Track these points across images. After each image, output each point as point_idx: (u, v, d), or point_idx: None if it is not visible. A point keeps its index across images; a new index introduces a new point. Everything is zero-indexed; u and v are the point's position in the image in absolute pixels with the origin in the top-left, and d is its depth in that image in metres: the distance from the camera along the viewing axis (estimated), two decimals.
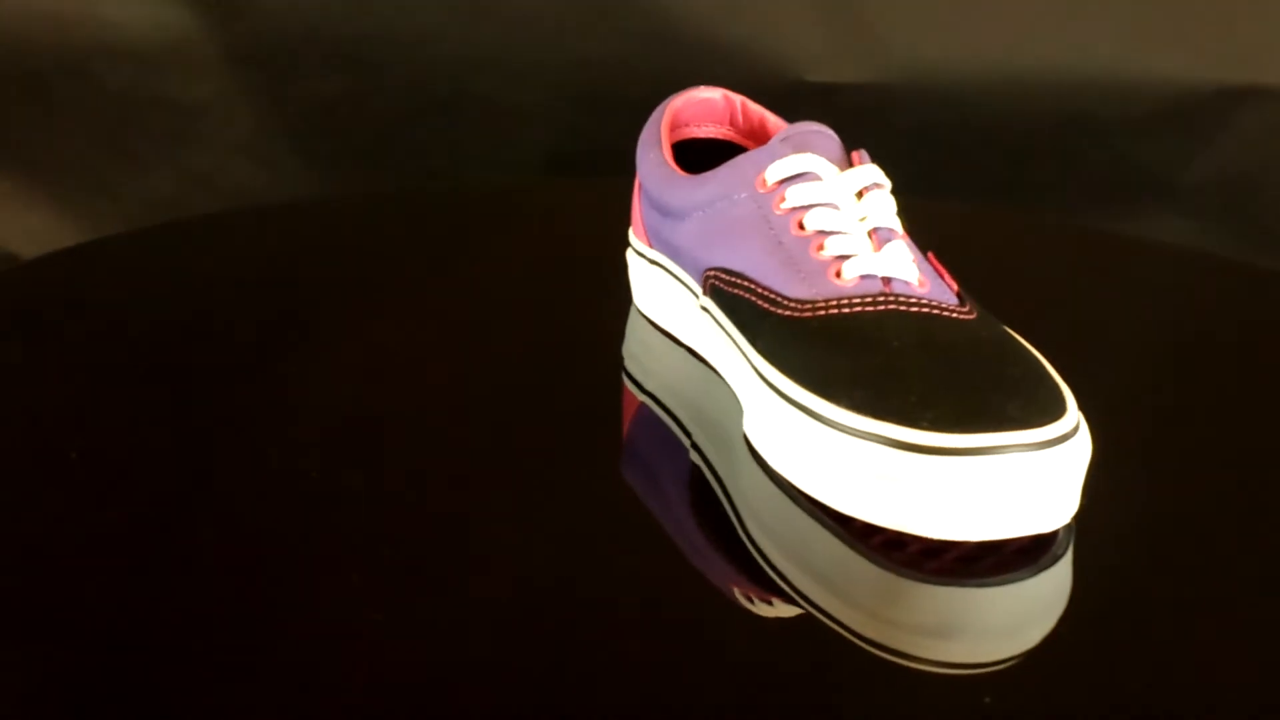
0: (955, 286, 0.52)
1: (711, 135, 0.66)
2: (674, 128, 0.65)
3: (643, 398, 0.59)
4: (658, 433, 0.57)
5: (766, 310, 0.53)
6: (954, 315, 0.50)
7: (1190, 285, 0.77)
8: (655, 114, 0.65)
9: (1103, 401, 0.51)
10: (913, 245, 0.54)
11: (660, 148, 0.62)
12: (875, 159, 0.56)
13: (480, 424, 0.57)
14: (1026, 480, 0.46)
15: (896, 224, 0.54)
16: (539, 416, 0.57)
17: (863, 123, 1.05)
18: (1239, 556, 0.50)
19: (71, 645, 0.43)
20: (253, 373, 0.61)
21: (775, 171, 0.55)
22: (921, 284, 0.51)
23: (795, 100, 1.03)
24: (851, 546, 0.48)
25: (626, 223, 0.67)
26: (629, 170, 0.65)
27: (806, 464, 0.49)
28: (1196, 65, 1.01)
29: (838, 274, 0.52)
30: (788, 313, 0.52)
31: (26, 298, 0.70)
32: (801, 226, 0.53)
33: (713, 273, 0.57)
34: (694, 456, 0.54)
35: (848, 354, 0.49)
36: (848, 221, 0.53)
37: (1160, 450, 0.57)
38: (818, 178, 0.54)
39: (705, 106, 0.65)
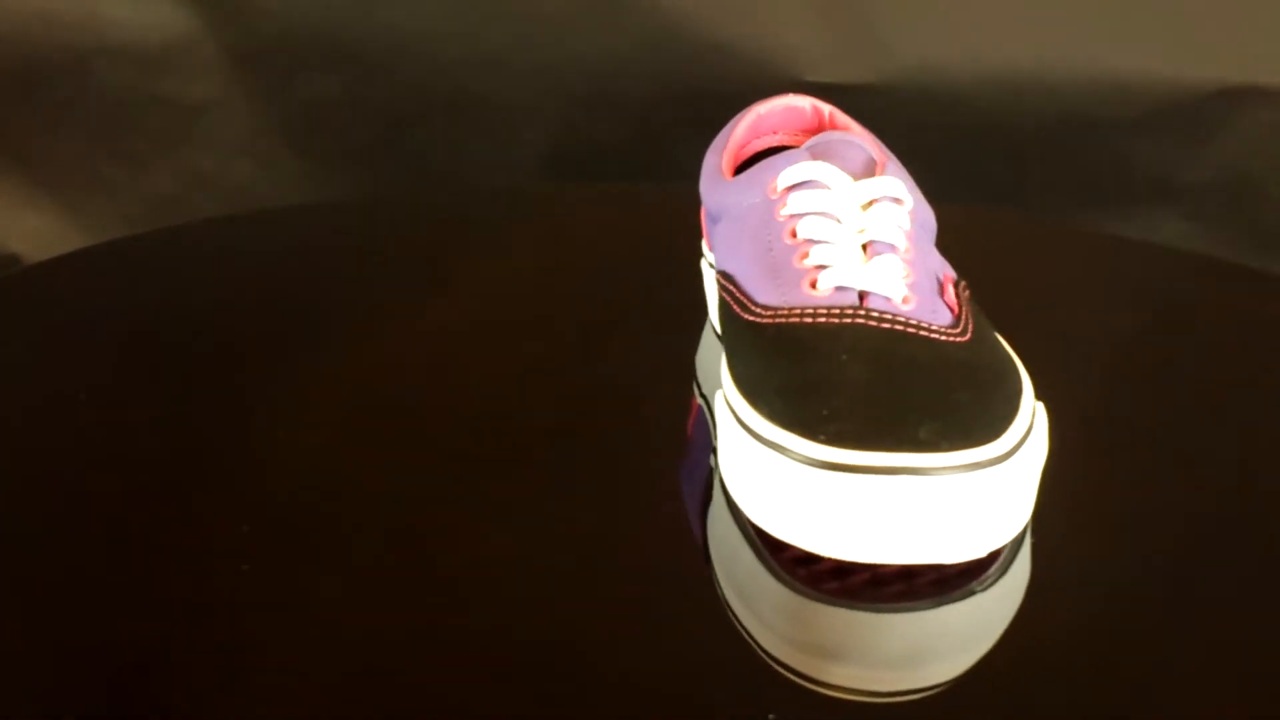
0: (956, 309, 0.51)
1: (796, 144, 0.64)
2: (758, 134, 0.64)
3: (700, 401, 0.59)
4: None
5: (736, 314, 0.52)
6: (931, 335, 0.49)
7: (1188, 287, 0.77)
8: (736, 118, 0.64)
9: (1091, 403, 0.51)
10: (918, 262, 0.52)
11: (722, 151, 0.61)
12: None
13: (503, 430, 0.57)
14: (917, 505, 0.44)
15: (900, 239, 0.52)
16: (580, 425, 0.57)
17: (863, 123, 1.05)
18: (1221, 589, 0.49)
19: (72, 645, 0.43)
20: (256, 377, 0.61)
21: (785, 178, 0.54)
22: (905, 301, 0.50)
23: None
24: (764, 560, 0.47)
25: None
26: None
27: (734, 471, 0.49)
28: (1196, 65, 1.01)
29: (813, 284, 0.51)
30: (750, 318, 0.51)
31: (28, 300, 0.70)
32: (794, 234, 0.52)
33: (719, 276, 0.56)
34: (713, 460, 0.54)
35: (788, 363, 0.48)
36: (841, 232, 0.52)
37: (1144, 461, 0.57)
38: (824, 186, 0.53)
39: (792, 114, 0.64)
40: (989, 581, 0.47)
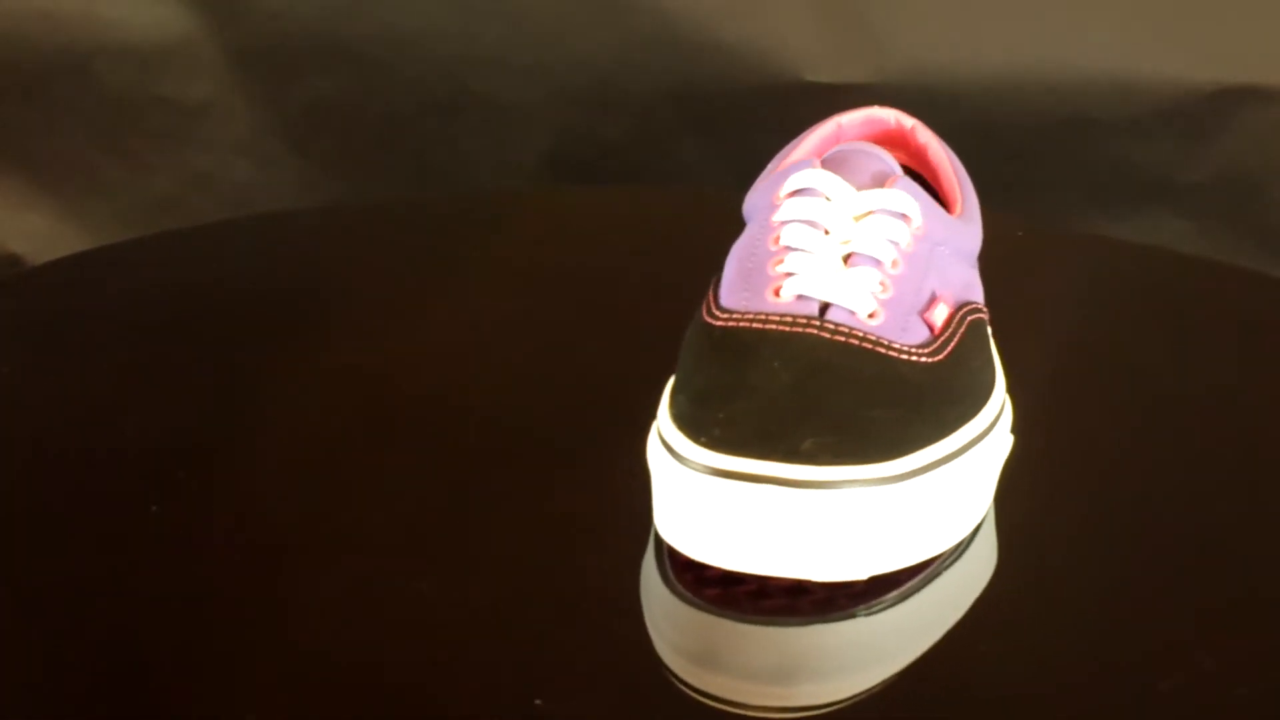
0: (938, 329, 0.50)
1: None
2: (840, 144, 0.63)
3: None
4: None
5: (700, 315, 0.52)
6: (888, 352, 0.48)
7: (1187, 289, 0.77)
8: (813, 128, 0.63)
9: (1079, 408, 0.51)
10: (907, 278, 0.51)
11: (783, 156, 0.61)
12: None
13: (502, 431, 0.57)
14: (784, 516, 0.43)
15: (888, 253, 0.51)
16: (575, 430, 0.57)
17: None
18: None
19: (72, 645, 0.43)
20: (256, 378, 0.61)
21: (788, 185, 0.53)
22: (873, 316, 0.49)
23: (795, 100, 1.03)
24: (659, 560, 0.47)
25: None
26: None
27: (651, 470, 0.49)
28: (1196, 65, 1.01)
29: (777, 291, 0.50)
30: (708, 319, 0.51)
31: (29, 302, 0.70)
32: (777, 241, 0.52)
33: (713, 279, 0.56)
34: None
35: (717, 367, 0.48)
36: (823, 242, 0.51)
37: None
38: (821, 196, 0.52)
39: (875, 127, 0.63)
40: (879, 607, 0.46)
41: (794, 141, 0.62)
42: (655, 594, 0.46)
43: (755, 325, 0.49)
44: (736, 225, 0.54)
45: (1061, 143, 1.04)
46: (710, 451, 0.44)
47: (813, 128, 0.63)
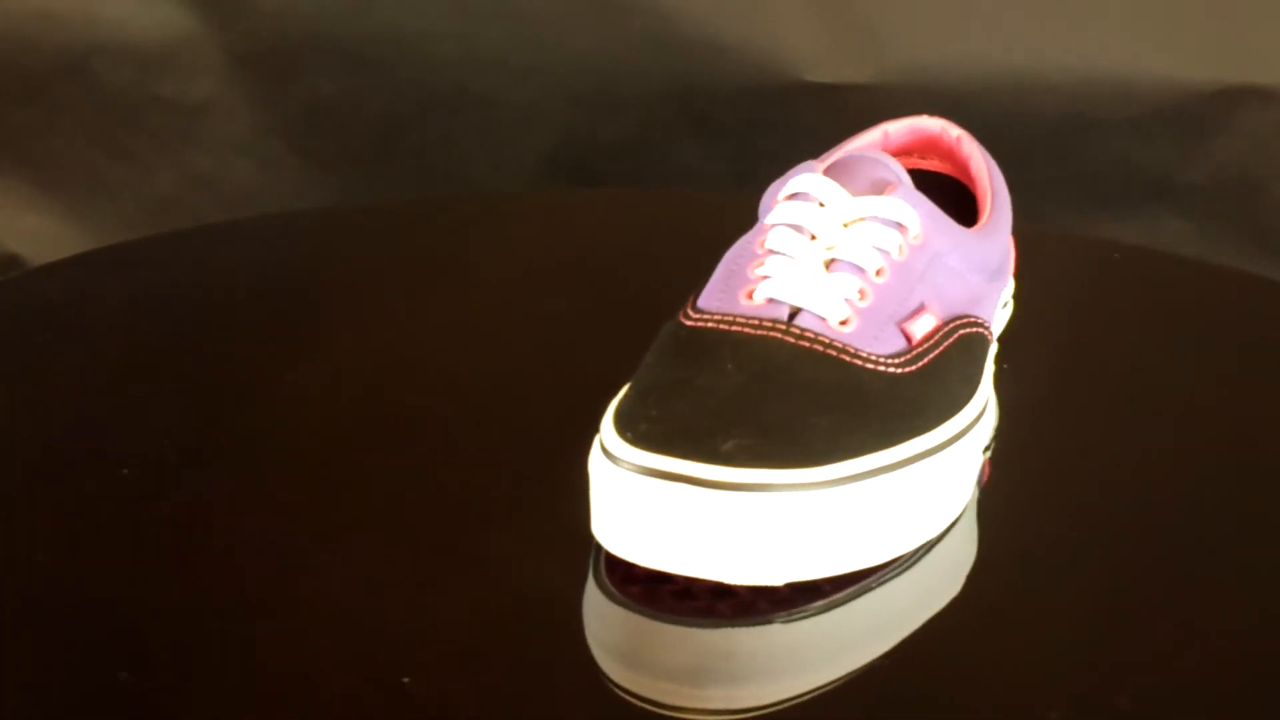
0: (918, 340, 0.50)
1: (934, 168, 0.64)
2: (894, 156, 0.61)
3: None
4: None
5: (676, 317, 0.51)
6: (853, 360, 0.48)
7: (1185, 291, 0.77)
8: (857, 136, 0.62)
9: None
10: (891, 287, 0.50)
11: (823, 160, 0.61)
12: None
13: (501, 432, 0.57)
14: (693, 515, 0.43)
15: (873, 261, 0.50)
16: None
17: (863, 123, 1.05)
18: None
19: (72, 644, 0.43)
20: (256, 379, 0.61)
21: (787, 188, 0.53)
22: (845, 323, 0.49)
23: (795, 100, 1.03)
24: (594, 556, 0.47)
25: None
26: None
27: None
28: (1196, 65, 1.01)
29: (750, 294, 0.49)
30: (681, 319, 0.50)
31: (29, 302, 0.71)
32: (762, 244, 0.51)
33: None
34: None
35: (671, 365, 0.48)
36: (805, 247, 0.51)
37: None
38: (815, 200, 0.52)
39: (921, 135, 0.63)
40: (799, 616, 0.45)
41: (837, 146, 0.61)
42: (588, 589, 0.46)
43: (721, 326, 0.49)
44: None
45: (1061, 143, 1.04)
46: (634, 448, 0.44)
47: (858, 134, 0.62)
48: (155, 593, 0.46)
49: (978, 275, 0.55)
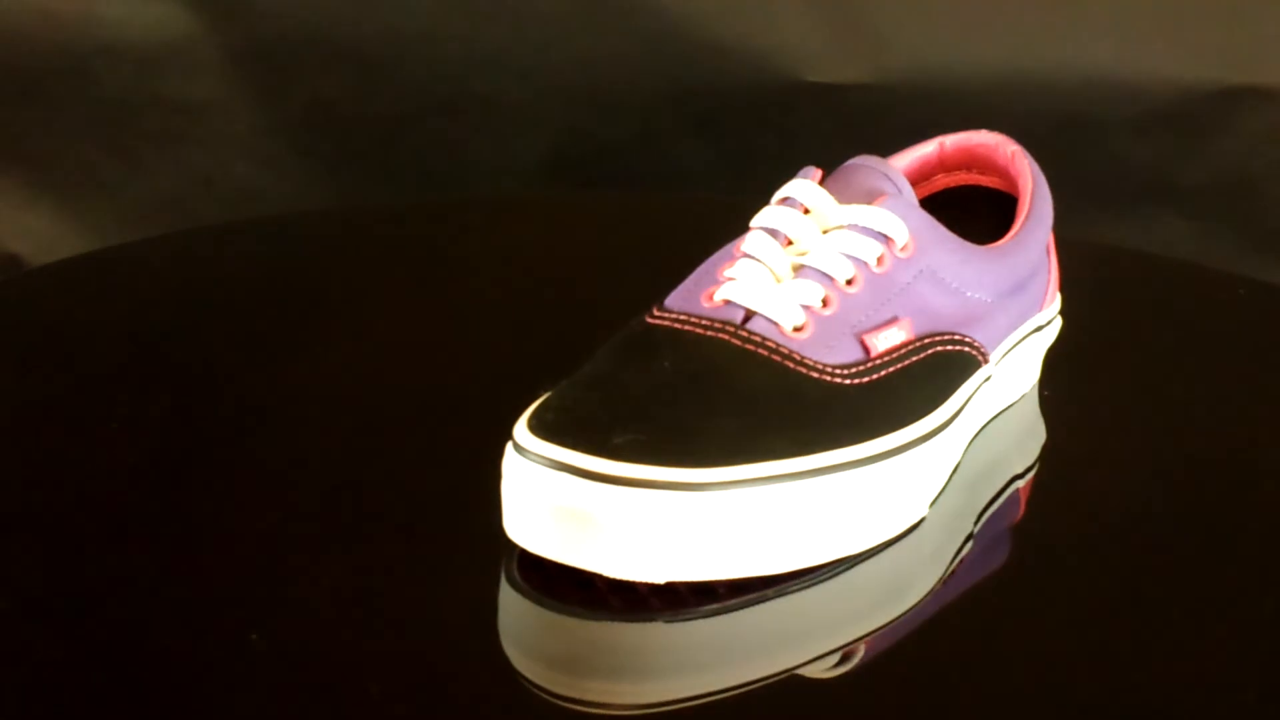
0: (877, 353, 0.49)
1: (991, 184, 0.62)
2: (950, 169, 0.62)
3: None
4: None
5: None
6: (796, 366, 0.48)
7: (1183, 294, 0.77)
8: (911, 149, 0.62)
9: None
10: (859, 298, 0.50)
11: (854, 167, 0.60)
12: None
13: (501, 434, 0.57)
14: (576, 505, 0.44)
15: (844, 270, 0.50)
16: None
17: (863, 123, 1.06)
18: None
19: (71, 644, 0.43)
20: (255, 380, 0.61)
21: (779, 192, 0.53)
22: (799, 329, 0.49)
23: (795, 100, 1.03)
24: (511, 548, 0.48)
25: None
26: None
27: None
28: (1196, 65, 1.01)
29: (711, 296, 0.50)
30: (645, 316, 0.50)
31: (28, 302, 0.71)
32: (739, 248, 0.51)
33: None
34: None
35: (609, 361, 0.48)
36: (776, 252, 0.51)
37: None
38: (800, 206, 0.52)
39: (976, 149, 0.62)
40: (685, 617, 0.45)
41: (892, 156, 0.61)
42: (503, 578, 0.47)
43: (675, 325, 0.49)
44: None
45: (1061, 143, 1.04)
46: (533, 437, 0.45)
47: (915, 145, 0.62)
48: (153, 590, 0.46)
49: (981, 293, 0.54)
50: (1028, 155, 0.60)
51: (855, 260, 0.50)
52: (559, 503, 0.44)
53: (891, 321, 0.50)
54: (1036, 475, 0.57)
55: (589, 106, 1.04)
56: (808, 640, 0.46)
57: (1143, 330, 0.71)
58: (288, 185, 1.08)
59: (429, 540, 0.50)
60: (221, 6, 1.03)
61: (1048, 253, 0.59)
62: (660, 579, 0.45)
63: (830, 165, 0.55)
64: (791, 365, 0.48)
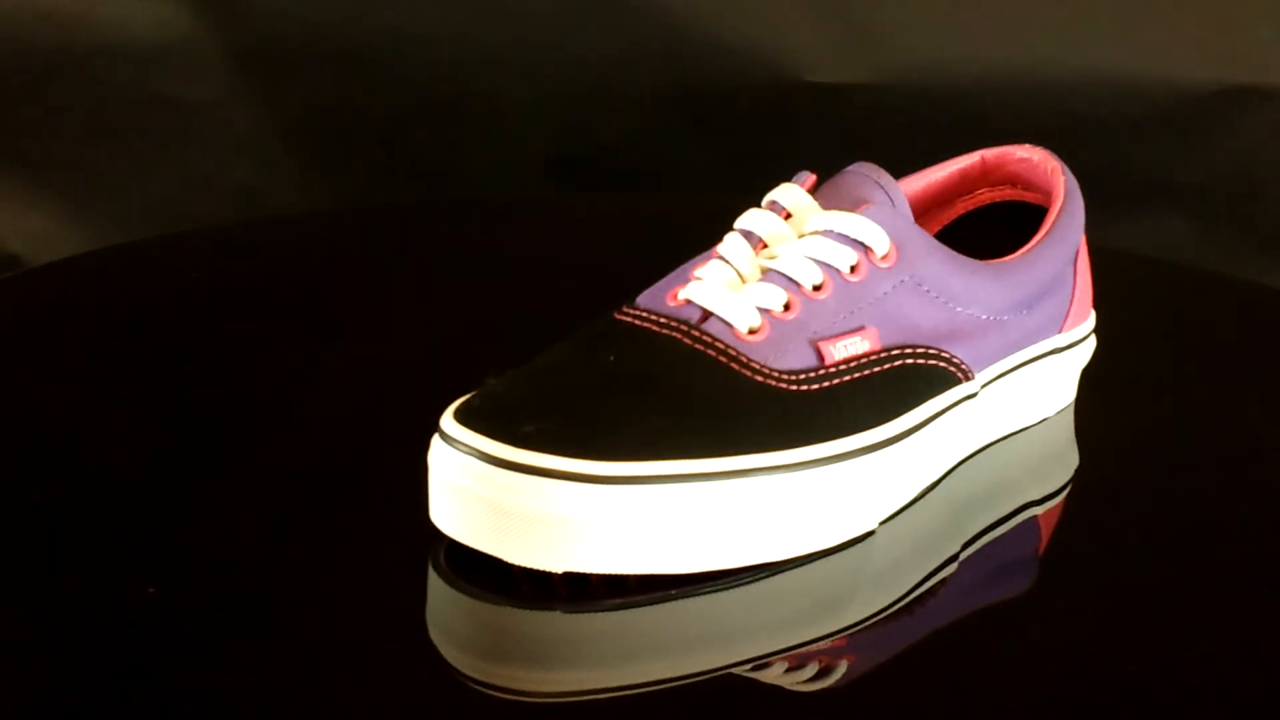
0: (832, 361, 0.48)
1: (1035, 200, 0.61)
2: (994, 184, 0.61)
3: None
4: None
5: None
6: (741, 369, 0.47)
7: (1181, 298, 0.77)
8: (949, 162, 0.61)
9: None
10: (826, 305, 0.49)
11: (914, 179, 0.60)
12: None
13: None
14: (480, 491, 0.44)
15: (812, 275, 0.49)
16: None
17: (863, 123, 1.06)
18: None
19: (71, 644, 0.43)
20: (254, 380, 0.61)
21: (768, 195, 0.53)
22: (754, 332, 0.48)
23: (795, 100, 1.03)
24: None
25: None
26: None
27: None
28: (1196, 65, 1.01)
29: (675, 295, 0.50)
30: (611, 313, 0.51)
31: (28, 302, 0.71)
32: (716, 249, 0.52)
33: None
34: None
35: (558, 353, 0.49)
36: (747, 255, 0.51)
37: None
38: (783, 210, 0.52)
39: (1016, 162, 0.61)
40: (583, 610, 0.45)
41: (932, 167, 0.60)
42: (430, 563, 0.47)
43: (634, 322, 0.49)
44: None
45: (1061, 143, 1.04)
46: (453, 421, 0.45)
47: (956, 158, 0.61)
48: (152, 590, 0.46)
49: (975, 309, 0.53)
50: (1066, 171, 0.59)
51: (826, 267, 0.50)
52: (468, 488, 0.45)
53: (856, 330, 0.50)
54: (1058, 505, 0.55)
55: (589, 106, 1.04)
56: (710, 646, 0.45)
57: (1180, 349, 0.69)
58: (288, 185, 1.08)
59: (386, 526, 0.50)
60: (221, 6, 1.03)
61: (1073, 272, 0.58)
62: (559, 569, 0.45)
63: (830, 166, 0.55)
64: (736, 368, 0.48)
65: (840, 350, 0.49)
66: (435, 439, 0.46)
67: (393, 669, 0.43)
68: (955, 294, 0.52)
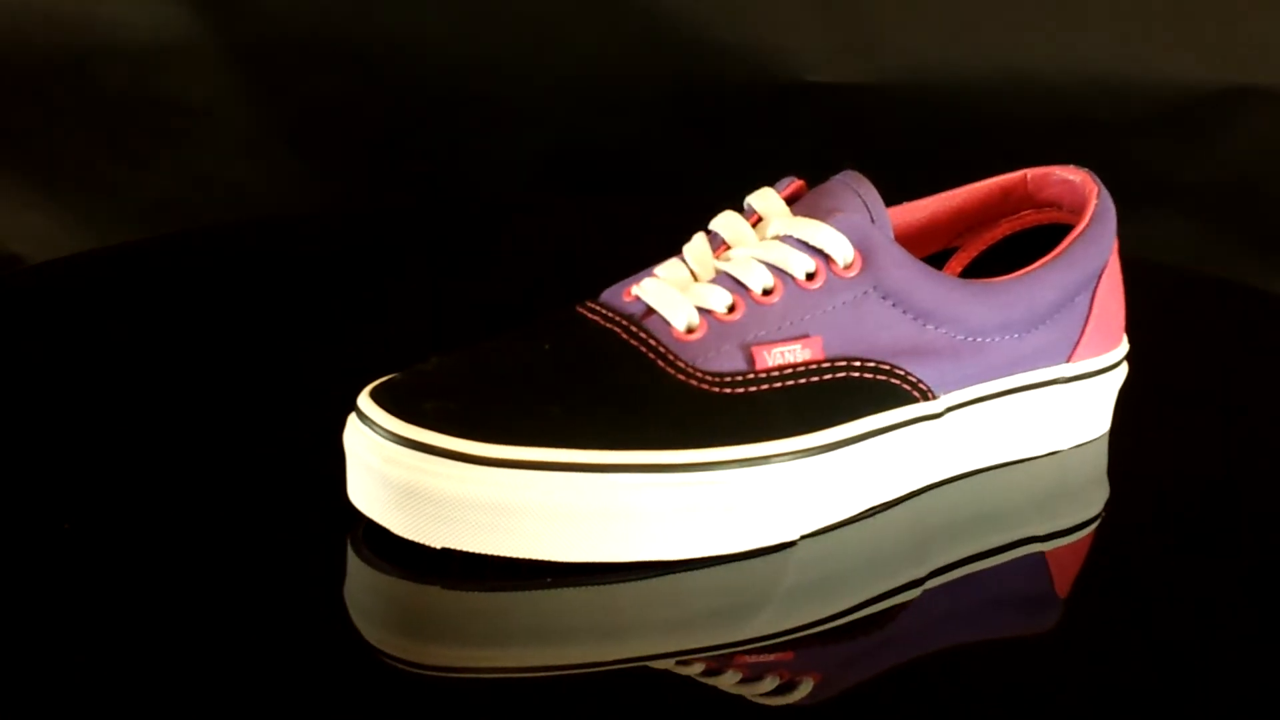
0: (764, 367, 0.48)
1: (1072, 223, 0.58)
2: (1039, 206, 0.59)
3: None
4: None
5: None
6: (665, 366, 0.48)
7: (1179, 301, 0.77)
8: (986, 182, 0.59)
9: None
10: (774, 311, 0.49)
11: (952, 196, 0.59)
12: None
13: None
14: (371, 464, 0.46)
15: (762, 280, 0.49)
16: None
17: (863, 123, 1.06)
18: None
19: (70, 643, 0.43)
20: (253, 380, 0.61)
21: (748, 199, 0.53)
22: (690, 331, 0.48)
23: (795, 100, 1.03)
24: None
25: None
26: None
27: None
28: (1196, 65, 1.01)
29: (629, 291, 0.50)
30: (573, 305, 0.51)
31: (28, 302, 0.71)
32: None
33: None
34: None
35: (501, 339, 0.50)
36: (704, 256, 0.51)
37: None
38: (756, 214, 0.52)
39: (1057, 183, 0.60)
40: (451, 587, 0.46)
41: (972, 185, 0.59)
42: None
43: (586, 315, 0.50)
44: None
45: (1061, 143, 1.04)
46: (365, 397, 0.47)
47: (999, 176, 0.59)
48: (152, 590, 0.46)
49: (949, 329, 0.51)
50: (1101, 196, 0.57)
51: (779, 272, 0.49)
52: (365, 460, 0.46)
53: (798, 338, 0.49)
54: (1067, 545, 0.52)
55: (589, 106, 1.04)
56: (590, 638, 0.46)
57: (1216, 365, 0.67)
58: (287, 186, 1.08)
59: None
60: (221, 6, 1.03)
61: (1090, 300, 0.55)
62: (437, 544, 0.46)
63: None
64: (662, 365, 0.48)
65: (775, 357, 0.48)
66: (351, 415, 0.47)
67: (308, 643, 0.44)
68: (925, 310, 0.50)
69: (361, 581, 0.47)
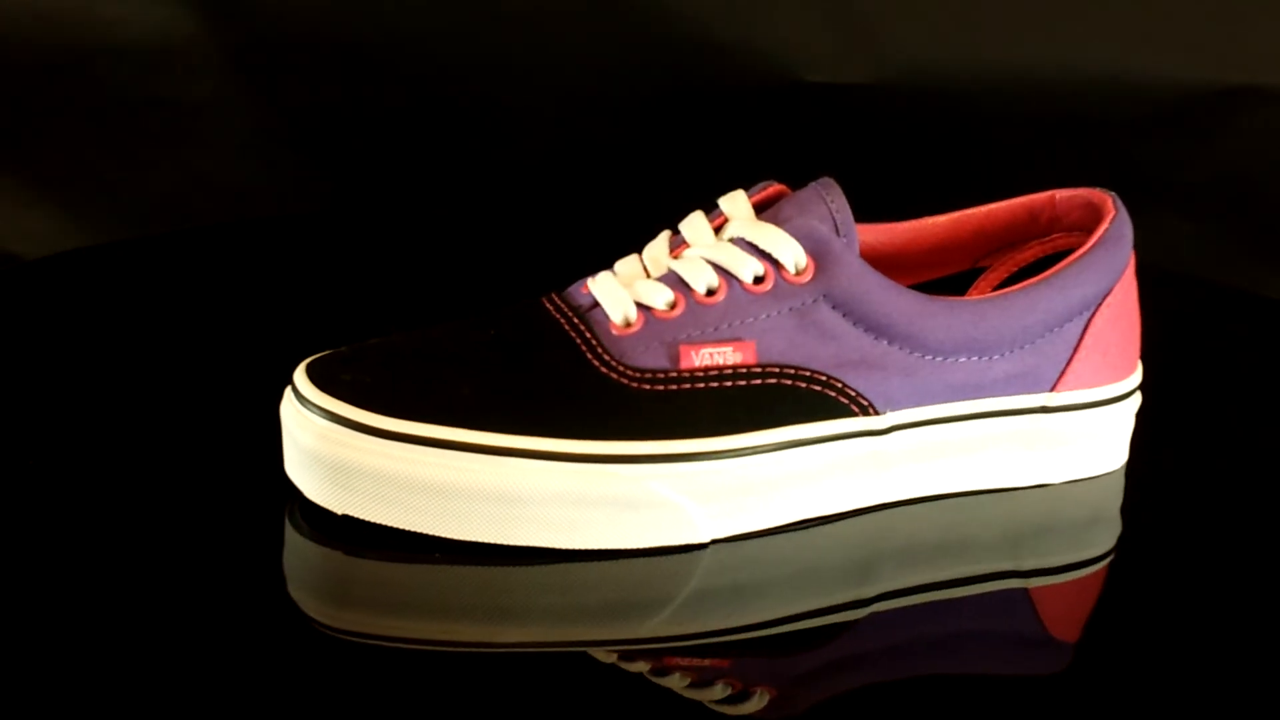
0: (691, 368, 0.48)
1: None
2: (1068, 229, 0.57)
3: None
4: None
5: None
6: (592, 359, 0.48)
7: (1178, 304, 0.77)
8: (1017, 201, 0.57)
9: None
10: (714, 311, 0.49)
11: (980, 211, 0.58)
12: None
13: None
14: (296, 434, 0.48)
15: (706, 280, 0.49)
16: None
17: (863, 123, 1.06)
18: None
19: (70, 644, 0.43)
20: (252, 378, 0.61)
21: (723, 200, 0.53)
22: (628, 326, 0.49)
23: (795, 100, 1.03)
24: None
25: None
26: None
27: None
28: (1196, 65, 1.01)
29: (585, 287, 0.51)
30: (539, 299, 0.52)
31: (27, 301, 0.71)
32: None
33: None
34: None
35: (456, 323, 0.51)
36: (660, 254, 0.51)
37: None
38: (723, 216, 0.52)
39: (1082, 206, 0.57)
40: (352, 553, 0.48)
41: (1000, 202, 0.57)
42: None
43: (544, 305, 0.51)
44: None
45: (1061, 143, 1.04)
46: (300, 370, 0.49)
47: (1025, 196, 0.57)
48: (151, 590, 0.46)
49: (902, 344, 0.50)
50: (1115, 222, 0.55)
51: (725, 274, 0.49)
52: (288, 428, 0.49)
53: (730, 342, 0.48)
54: (1047, 582, 0.49)
55: (589, 107, 1.04)
56: (471, 617, 0.46)
57: (1232, 387, 0.65)
58: (287, 185, 1.08)
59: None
60: (221, 6, 1.03)
61: (1083, 329, 0.53)
62: (338, 510, 0.48)
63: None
64: (590, 358, 0.48)
65: (703, 357, 0.48)
66: (287, 388, 0.49)
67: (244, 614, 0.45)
68: (879, 324, 0.49)
69: (293, 547, 0.49)
